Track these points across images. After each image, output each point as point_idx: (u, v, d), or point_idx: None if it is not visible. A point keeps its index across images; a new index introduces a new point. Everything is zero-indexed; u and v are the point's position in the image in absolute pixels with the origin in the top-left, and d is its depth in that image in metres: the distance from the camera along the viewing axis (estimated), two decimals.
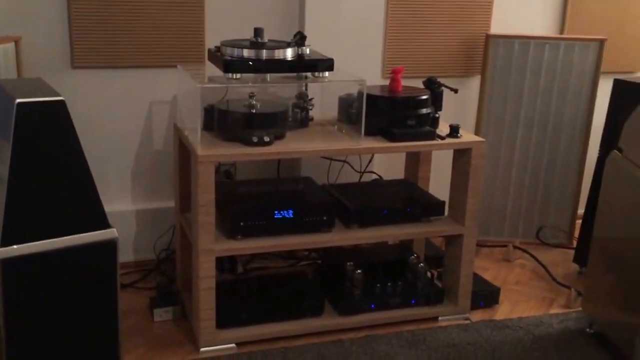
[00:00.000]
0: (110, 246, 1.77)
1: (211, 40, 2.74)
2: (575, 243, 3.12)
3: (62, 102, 1.69)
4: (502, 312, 2.69)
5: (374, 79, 2.98)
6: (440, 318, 2.59)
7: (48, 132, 1.67)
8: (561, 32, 3.31)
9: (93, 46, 2.69)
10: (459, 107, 3.15)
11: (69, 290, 1.72)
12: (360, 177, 2.97)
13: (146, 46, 2.75)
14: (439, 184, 2.85)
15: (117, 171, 2.85)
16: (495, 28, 3.17)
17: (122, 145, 2.84)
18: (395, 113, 2.48)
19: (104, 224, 1.76)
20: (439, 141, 2.48)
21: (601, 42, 3.09)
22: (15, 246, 1.63)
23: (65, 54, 2.68)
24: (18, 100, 1.63)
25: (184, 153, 2.54)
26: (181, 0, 2.74)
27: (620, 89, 2.86)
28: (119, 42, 2.72)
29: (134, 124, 2.84)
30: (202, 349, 2.35)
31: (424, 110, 2.52)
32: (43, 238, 1.66)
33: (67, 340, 1.74)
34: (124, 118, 2.82)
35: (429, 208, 2.58)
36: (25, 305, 1.66)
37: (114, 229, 1.78)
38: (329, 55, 2.41)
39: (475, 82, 3.19)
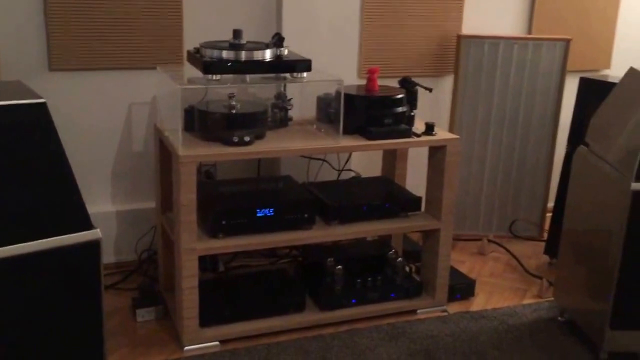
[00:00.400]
0: (93, 247, 1.78)
1: (189, 42, 2.77)
2: (545, 235, 3.23)
3: (43, 105, 1.71)
4: (478, 303, 2.78)
5: (351, 78, 3.04)
6: (418, 311, 2.67)
7: (30, 135, 1.67)
8: (529, 32, 3.42)
9: (70, 49, 2.69)
10: (433, 106, 3.23)
11: (53, 292, 1.72)
12: (339, 175, 3.03)
13: (124, 48, 2.77)
14: (415, 181, 2.93)
15: (97, 172, 2.86)
16: (467, 29, 3.26)
17: (101, 147, 2.85)
18: (372, 112, 2.54)
19: (87, 225, 1.78)
20: (415, 139, 2.56)
21: (567, 42, 3.21)
22: None
23: (42, 56, 2.68)
24: None
25: (164, 154, 2.57)
26: (159, 2, 2.77)
27: (586, 86, 2.98)
28: (97, 45, 2.73)
29: (114, 125, 2.85)
30: (186, 348, 2.38)
31: (400, 109, 2.59)
32: (26, 240, 1.66)
33: (52, 342, 1.75)
34: (103, 120, 2.83)
35: (407, 204, 2.65)
36: (8, 307, 1.66)
37: (98, 230, 1.79)
38: (306, 56, 2.46)
39: (448, 81, 3.27)
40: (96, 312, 1.79)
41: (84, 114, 2.79)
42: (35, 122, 1.67)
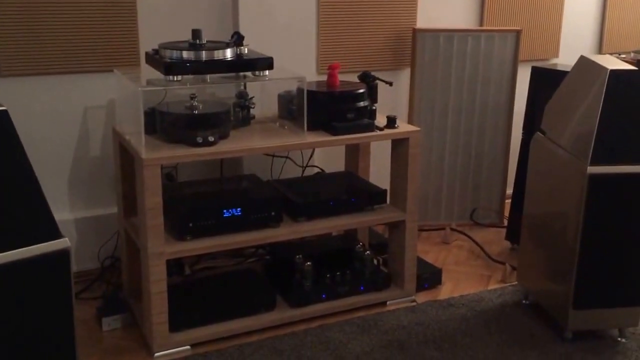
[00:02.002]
0: (63, 256, 1.74)
1: (145, 44, 2.71)
2: (506, 222, 3.32)
3: (4, 112, 1.65)
4: (445, 291, 2.83)
5: (310, 75, 3.04)
6: (388, 302, 2.70)
7: None
8: (480, 24, 3.49)
9: (20, 53, 2.60)
10: (392, 99, 3.26)
11: (23, 304, 1.67)
12: (303, 171, 3.03)
13: (77, 51, 2.69)
14: (378, 174, 2.96)
15: (53, 180, 2.77)
16: (421, 22, 3.31)
17: (57, 153, 2.76)
18: (335, 107, 2.56)
19: (56, 234, 1.73)
20: (378, 132, 2.58)
21: (517, 33, 3.30)
22: None
23: None
24: None
25: (125, 157, 2.51)
26: (112, 3, 2.70)
27: (538, 75, 3.07)
28: (48, 48, 2.64)
29: (69, 130, 2.77)
30: (157, 354, 2.34)
31: (362, 104, 2.61)
32: None
33: (24, 355, 1.70)
34: (57, 125, 2.74)
35: (372, 197, 2.68)
36: None
37: (66, 239, 1.75)
38: (265, 54, 2.45)
39: (405, 74, 3.32)
40: (67, 322, 1.74)
41: (37, 119, 2.70)
42: None
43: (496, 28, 3.34)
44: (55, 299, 1.73)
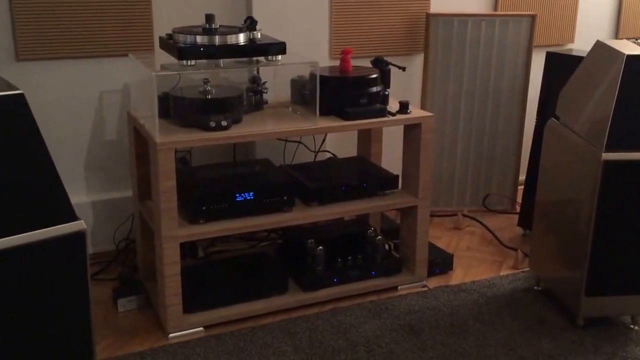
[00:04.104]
0: (79, 238, 1.76)
1: (159, 29, 2.73)
2: (518, 208, 3.32)
3: (21, 96, 1.67)
4: (457, 277, 2.84)
5: (322, 60, 3.04)
6: (399, 287, 2.71)
7: (8, 127, 1.64)
8: (495, 9, 3.46)
9: (37, 38, 2.63)
10: (405, 84, 3.25)
11: (39, 286, 1.71)
12: (315, 156, 3.04)
13: (93, 36, 2.71)
14: (390, 159, 2.96)
15: (70, 163, 2.81)
16: (435, 7, 3.28)
17: (73, 137, 2.80)
18: (347, 92, 2.56)
19: (71, 216, 1.76)
20: (391, 118, 2.58)
21: (532, 18, 3.27)
22: None
23: (9, 46, 2.61)
24: None
25: (139, 141, 2.54)
26: None
27: (552, 60, 3.04)
28: (64, 33, 2.66)
29: (85, 114, 2.80)
30: (171, 335, 2.38)
31: (375, 89, 2.61)
32: (9, 234, 1.64)
33: (41, 336, 1.73)
34: (73, 109, 2.77)
35: (384, 182, 2.69)
36: None
37: (82, 221, 1.77)
38: (278, 39, 2.46)
39: (418, 59, 3.30)
40: (84, 303, 1.77)
41: (53, 103, 2.73)
42: (14, 114, 1.63)
43: (511, 13, 3.31)
44: (72, 280, 1.76)
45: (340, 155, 3.07)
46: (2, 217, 1.63)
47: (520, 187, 3.30)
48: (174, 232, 2.31)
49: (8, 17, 2.58)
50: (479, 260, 2.99)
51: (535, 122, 3.10)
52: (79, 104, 2.78)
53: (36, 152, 1.68)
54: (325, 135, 3.03)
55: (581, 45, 3.55)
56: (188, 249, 2.82)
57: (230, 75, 2.87)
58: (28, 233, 1.65)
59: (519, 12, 3.30)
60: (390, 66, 2.74)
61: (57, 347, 1.76)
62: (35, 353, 1.72)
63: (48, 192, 1.70)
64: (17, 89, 1.67)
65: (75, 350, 1.80)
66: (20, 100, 1.66)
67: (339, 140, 3.12)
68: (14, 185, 1.64)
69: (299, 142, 3.00)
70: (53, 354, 1.76)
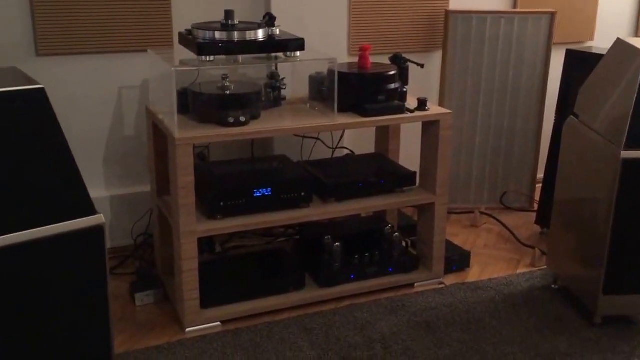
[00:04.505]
0: (98, 232, 1.78)
1: (178, 25, 2.74)
2: (536, 206, 3.29)
3: (42, 90, 1.69)
4: (474, 274, 2.83)
5: (341, 57, 3.04)
6: (416, 284, 2.71)
7: (29, 121, 1.66)
8: (514, 6, 3.44)
9: (57, 33, 2.65)
10: (423, 81, 3.24)
11: (59, 279, 1.73)
12: (333, 152, 3.05)
13: (112, 31, 2.73)
14: (408, 156, 2.95)
15: (89, 158, 2.83)
16: (454, 4, 3.27)
17: (92, 132, 2.82)
18: (366, 89, 2.55)
19: (91, 210, 1.78)
20: (409, 114, 2.58)
21: (552, 15, 3.24)
22: (2, 237, 1.63)
23: (29, 42, 2.64)
24: None
25: (158, 137, 2.55)
26: None
27: (572, 58, 3.01)
28: (84, 28, 2.69)
29: (104, 110, 2.83)
30: (188, 329, 2.39)
31: (393, 86, 2.60)
32: (29, 227, 1.66)
33: (58, 329, 1.75)
34: (92, 104, 2.80)
35: (402, 179, 2.68)
36: (14, 295, 1.66)
37: (101, 215, 1.79)
38: (296, 35, 2.46)
39: (437, 57, 3.29)
40: (102, 296, 1.79)
41: (73, 99, 2.76)
42: (35, 108, 1.65)
43: (530, 10, 3.28)
44: (91, 274, 1.78)
45: (357, 152, 3.07)
46: (24, 210, 1.65)
47: (538, 185, 3.28)
48: (192, 228, 2.33)
49: (29, 12, 2.61)
50: (496, 258, 2.98)
51: (554, 120, 3.08)
52: (98, 99, 2.80)
53: (57, 146, 1.71)
54: (343, 131, 3.03)
55: (601, 42, 3.51)
56: (205, 244, 2.84)
57: (248, 71, 2.88)
58: (49, 226, 1.68)
59: (539, 10, 3.27)
60: (409, 63, 2.74)
61: (76, 339, 1.79)
62: (54, 345, 1.75)
63: (68, 186, 1.72)
64: (38, 84, 1.69)
65: (94, 343, 1.83)
66: (41, 95, 1.68)
67: (357, 136, 3.12)
68: (35, 179, 1.67)
69: (317, 139, 3.01)
70: (72, 346, 1.79)
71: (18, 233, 1.65)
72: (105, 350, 1.84)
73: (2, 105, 1.61)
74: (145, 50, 2.72)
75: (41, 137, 1.68)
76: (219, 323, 2.43)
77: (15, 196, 1.64)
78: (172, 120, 2.32)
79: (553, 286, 2.70)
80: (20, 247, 1.65)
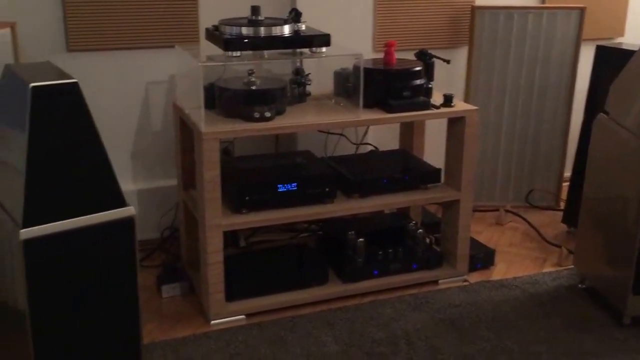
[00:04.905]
0: (128, 224, 1.81)
1: (205, 21, 2.77)
2: (562, 205, 3.25)
3: (75, 85, 1.72)
4: (498, 272, 2.81)
5: (366, 53, 3.02)
6: (440, 281, 2.70)
7: (64, 114, 1.69)
8: (542, 1, 3.40)
9: (87, 29, 2.70)
10: (448, 77, 3.22)
11: (91, 268, 1.76)
12: (357, 149, 3.05)
13: (140, 27, 2.77)
14: (432, 153, 2.94)
15: (116, 152, 2.86)
16: (480, 0, 3.25)
17: (120, 127, 2.86)
18: (391, 85, 2.55)
19: (122, 202, 1.81)
20: (435, 111, 2.56)
21: (581, 11, 3.19)
22: (36, 227, 1.67)
23: (60, 37, 2.69)
24: (32, 84, 1.66)
25: (185, 132, 2.58)
26: None
27: (602, 54, 2.97)
28: (113, 25, 2.73)
29: (131, 105, 2.87)
30: (213, 322, 2.42)
31: (418, 81, 2.60)
32: (63, 218, 1.70)
33: (90, 318, 1.79)
34: (120, 99, 2.84)
35: (426, 176, 2.67)
36: (48, 284, 1.70)
37: (132, 207, 1.82)
38: (322, 31, 2.46)
39: (462, 53, 3.27)
40: (132, 286, 1.82)
41: (101, 94, 2.80)
42: (68, 102, 1.69)
43: (559, 5, 3.24)
44: (122, 264, 1.81)
45: (381, 149, 3.06)
46: (58, 201, 1.69)
47: (565, 184, 3.24)
48: (217, 221, 2.35)
49: (60, 9, 2.66)
50: (521, 257, 2.95)
51: (583, 117, 3.04)
52: (125, 94, 2.84)
53: (90, 139, 1.74)
54: (367, 128, 3.03)
55: (632, 39, 3.45)
56: (230, 238, 2.86)
57: (273, 67, 2.89)
58: (81, 217, 1.71)
59: (568, 5, 3.23)
60: (435, 59, 2.72)
61: (107, 328, 1.82)
62: (87, 332, 1.78)
63: (100, 178, 1.75)
64: (72, 78, 1.72)
65: (124, 331, 1.86)
66: (74, 89, 1.71)
67: (381, 133, 3.11)
68: (69, 170, 1.70)
69: (341, 135, 3.01)
70: (104, 334, 1.82)
71: (54, 223, 1.68)
72: (134, 339, 1.87)
73: (38, 99, 1.64)
74: (172, 46, 2.76)
75: (75, 130, 1.71)
76: (243, 316, 2.45)
77: (50, 187, 1.68)
78: (198, 115, 2.34)
79: (580, 286, 2.66)
80: (56, 236, 1.68)
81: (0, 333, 1.97)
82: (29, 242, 1.65)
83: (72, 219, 1.70)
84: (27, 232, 1.65)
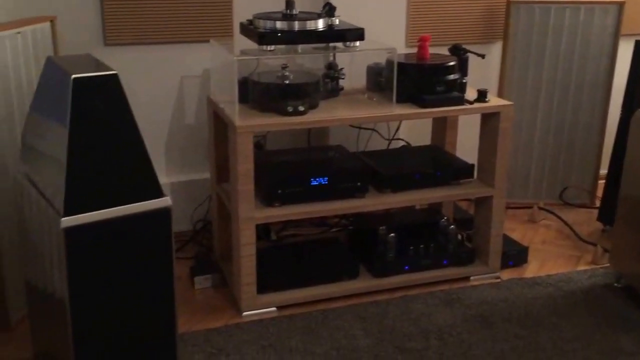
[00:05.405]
0: (165, 214, 1.84)
1: (238, 15, 2.79)
2: (598, 202, 3.20)
3: (115, 76, 1.75)
4: (531, 270, 2.78)
5: (398, 47, 3.01)
6: (471, 277, 2.68)
7: (104, 106, 1.73)
8: None
9: (124, 23, 2.75)
10: (482, 73, 3.19)
11: (128, 257, 1.79)
12: (389, 144, 3.04)
13: (176, 22, 2.81)
14: (465, 149, 2.92)
15: (150, 145, 2.83)
16: None
17: (155, 120, 2.91)
18: (424, 80, 2.54)
19: (159, 193, 1.83)
20: (469, 106, 2.54)
21: (620, 5, 3.13)
22: (76, 216, 1.70)
23: (98, 31, 2.74)
24: (74, 76, 1.69)
25: (219, 125, 2.61)
26: None
27: None
28: (149, 19, 2.77)
29: (166, 98, 2.91)
30: (245, 313, 2.44)
31: (452, 76, 2.58)
32: (102, 207, 1.73)
33: (127, 306, 1.82)
34: (155, 93, 2.88)
35: (459, 171, 2.66)
36: (87, 271, 1.74)
37: (168, 197, 1.84)
38: (355, 25, 2.46)
39: (497, 48, 3.23)
40: (168, 276, 1.85)
41: (137, 87, 2.84)
42: (109, 93, 1.72)
43: (597, 0, 3.18)
44: (158, 254, 1.84)
45: (413, 144, 3.05)
46: (97, 191, 1.72)
47: (601, 182, 3.18)
48: (250, 214, 2.37)
49: (98, 4, 2.70)
50: (555, 254, 2.91)
51: (620, 113, 2.98)
52: (160, 88, 2.88)
53: (128, 130, 1.77)
54: (400, 123, 3.02)
55: None
56: (261, 231, 2.89)
57: (305, 61, 2.90)
58: (120, 207, 1.74)
59: None
60: (469, 54, 2.70)
61: (143, 316, 1.85)
62: (123, 321, 1.82)
63: (138, 168, 1.78)
64: (112, 70, 1.76)
65: (160, 320, 1.89)
66: (115, 80, 1.74)
67: (413, 128, 3.10)
68: (108, 160, 1.73)
69: (373, 130, 3.01)
70: (140, 323, 1.85)
71: (93, 212, 1.71)
72: (170, 328, 1.90)
73: (79, 90, 1.68)
74: (206, 41, 2.78)
75: (114, 121, 1.75)
76: (274, 308, 2.47)
77: (90, 177, 1.71)
78: (232, 109, 2.36)
79: (616, 284, 2.62)
80: (95, 225, 1.72)
81: (41, 320, 2.02)
82: (70, 230, 1.69)
83: (111, 209, 1.73)
84: (67, 221, 1.69)
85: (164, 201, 1.82)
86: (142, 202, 1.78)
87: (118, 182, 1.75)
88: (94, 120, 1.71)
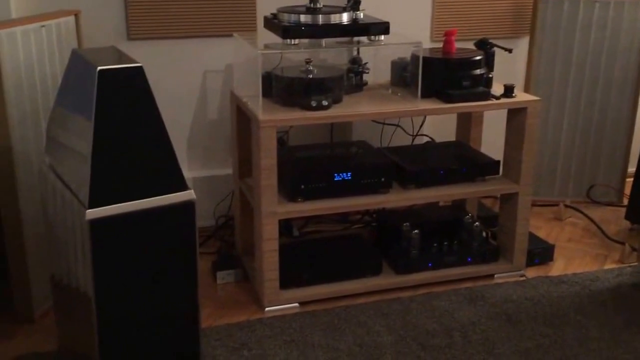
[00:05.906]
0: (189, 207, 1.83)
1: (261, 10, 2.78)
2: (625, 201, 3.14)
3: (140, 69, 1.75)
4: (557, 268, 2.73)
5: (424, 41, 2.98)
6: (496, 275, 2.64)
7: (128, 98, 1.73)
8: None
9: (147, 18, 2.75)
10: (509, 68, 3.14)
11: (153, 250, 1.79)
12: (413, 139, 3.01)
13: (199, 16, 2.81)
14: (490, 145, 2.88)
15: (174, 140, 2.86)
16: None
17: (177, 114, 2.91)
18: (450, 74, 2.50)
19: (183, 186, 1.83)
20: (495, 101, 2.51)
21: None
22: (101, 208, 1.71)
23: (121, 26, 2.75)
24: (99, 68, 1.69)
25: (242, 120, 2.60)
26: None
27: None
28: (172, 14, 2.77)
29: (189, 93, 2.91)
30: (267, 309, 2.44)
31: (478, 71, 2.54)
32: (127, 200, 1.73)
33: (151, 299, 1.82)
34: (178, 87, 2.88)
35: (484, 168, 2.62)
36: (112, 263, 1.74)
37: (192, 191, 1.84)
38: (380, 19, 2.44)
39: (523, 43, 3.18)
40: (192, 269, 1.85)
41: (160, 81, 2.83)
42: (134, 86, 1.72)
43: None
44: (182, 247, 1.83)
45: (438, 140, 3.02)
46: (122, 183, 1.72)
47: (629, 180, 3.12)
48: (273, 209, 2.36)
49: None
50: (581, 253, 2.86)
51: None
52: (183, 82, 2.88)
53: (153, 123, 1.77)
54: (424, 118, 2.99)
55: None
56: (284, 227, 2.88)
57: (329, 56, 2.88)
58: (144, 200, 1.74)
59: None
60: (495, 48, 2.66)
61: (167, 309, 1.85)
62: (147, 314, 1.82)
63: (162, 161, 1.78)
64: (137, 62, 1.76)
65: (183, 314, 1.88)
66: (140, 72, 1.74)
67: (437, 124, 3.07)
68: (133, 153, 1.73)
69: (397, 125, 2.98)
70: (164, 316, 1.85)
71: (118, 204, 1.71)
72: (193, 321, 1.90)
73: (104, 82, 1.68)
74: (229, 35, 2.78)
75: (139, 114, 1.74)
76: (297, 304, 2.46)
77: (115, 169, 1.71)
78: (256, 103, 2.35)
79: None
80: (120, 217, 1.72)
81: (66, 313, 2.03)
82: (95, 222, 1.69)
83: (136, 201, 1.73)
84: (93, 213, 1.69)
85: (188, 194, 1.82)
86: (166, 195, 1.78)
87: (143, 174, 1.75)
88: (119, 112, 1.71)
